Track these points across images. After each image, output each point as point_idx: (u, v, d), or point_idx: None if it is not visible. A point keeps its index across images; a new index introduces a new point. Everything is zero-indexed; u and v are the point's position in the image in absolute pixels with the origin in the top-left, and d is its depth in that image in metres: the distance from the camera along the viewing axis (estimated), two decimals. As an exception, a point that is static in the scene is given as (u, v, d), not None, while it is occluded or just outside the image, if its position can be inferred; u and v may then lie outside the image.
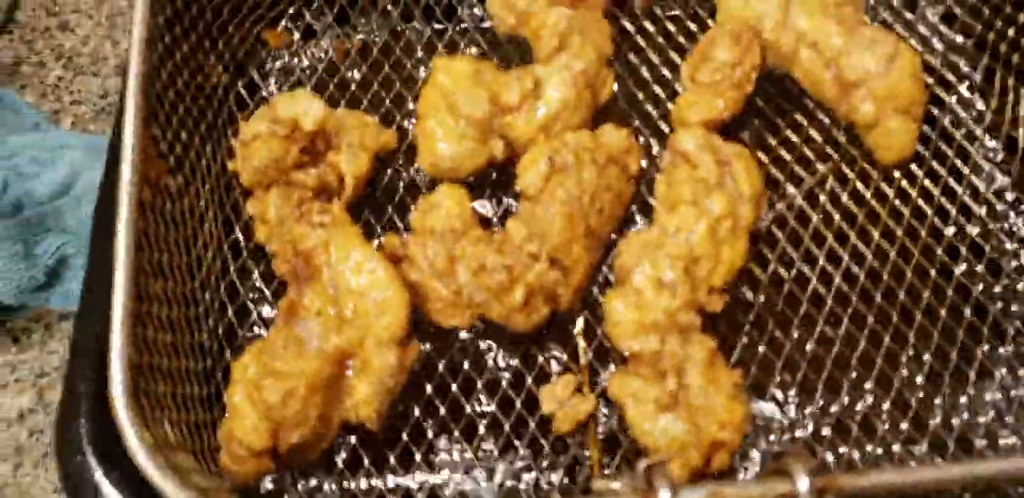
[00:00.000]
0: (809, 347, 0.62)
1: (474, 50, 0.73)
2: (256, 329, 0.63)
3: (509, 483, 0.58)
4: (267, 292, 0.64)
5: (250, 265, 0.64)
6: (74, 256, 0.73)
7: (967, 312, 0.62)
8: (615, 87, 0.68)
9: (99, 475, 0.52)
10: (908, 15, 0.73)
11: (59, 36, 0.85)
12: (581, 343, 0.62)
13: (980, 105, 0.69)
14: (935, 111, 0.69)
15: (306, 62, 0.73)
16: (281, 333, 0.55)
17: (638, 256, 0.59)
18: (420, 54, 0.72)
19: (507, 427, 0.60)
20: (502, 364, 0.62)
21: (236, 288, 0.63)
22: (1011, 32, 0.67)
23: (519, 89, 0.62)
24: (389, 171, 0.68)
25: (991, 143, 0.68)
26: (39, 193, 0.74)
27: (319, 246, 0.57)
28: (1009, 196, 0.67)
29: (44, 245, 0.72)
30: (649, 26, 0.73)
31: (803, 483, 0.44)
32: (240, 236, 0.65)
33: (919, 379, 0.61)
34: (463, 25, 0.73)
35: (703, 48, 0.67)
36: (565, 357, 0.62)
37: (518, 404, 0.61)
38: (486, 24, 0.73)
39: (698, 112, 0.65)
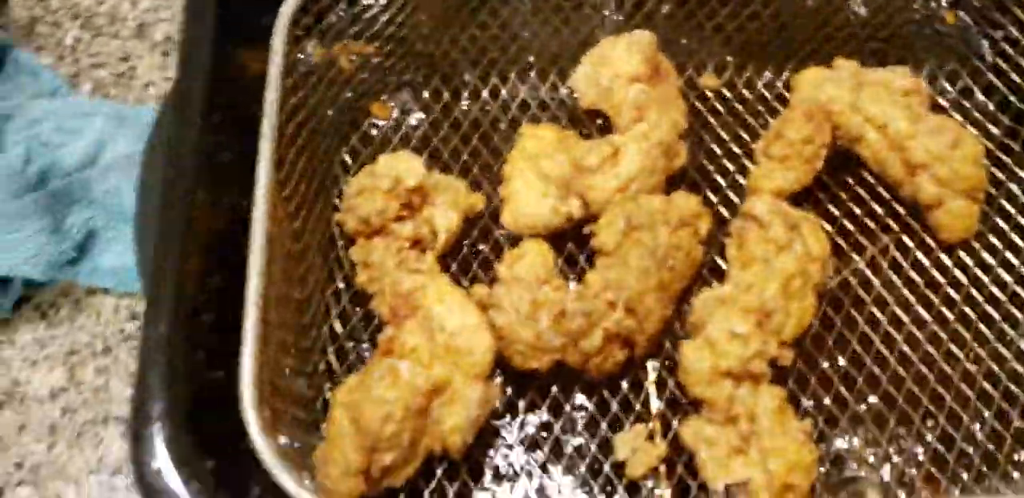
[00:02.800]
0: (872, 402, 0.65)
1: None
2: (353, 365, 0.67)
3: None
4: (364, 334, 0.68)
5: (349, 309, 0.69)
6: (102, 230, 0.71)
7: (1026, 375, 0.66)
8: (687, 159, 0.73)
9: (178, 485, 0.51)
10: (965, 103, 0.78)
11: None
12: (653, 392, 0.66)
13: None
14: (993, 190, 0.73)
15: (402, 132, 0.79)
16: (379, 365, 0.60)
17: (712, 310, 0.63)
18: (504, 127, 0.78)
19: (583, 468, 0.63)
20: (578, 408, 0.66)
21: (335, 330, 0.69)
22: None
23: (599, 154, 0.68)
24: (475, 232, 0.73)
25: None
26: (65, 164, 0.71)
27: (418, 289, 0.63)
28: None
29: (72, 218, 0.70)
30: (719, 106, 0.79)
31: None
32: (341, 284, 0.70)
33: (980, 437, 0.63)
34: (546, 100, 0.79)
35: (778, 127, 0.72)
36: (638, 406, 0.65)
37: (593, 447, 0.64)
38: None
39: (770, 182, 0.70)
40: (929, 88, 0.76)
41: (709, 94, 0.79)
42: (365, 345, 0.68)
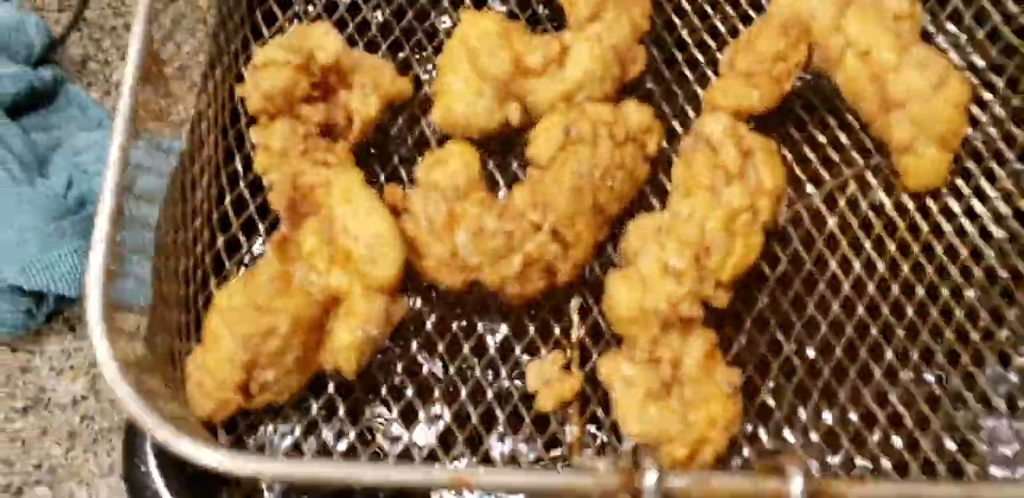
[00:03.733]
0: (809, 353, 0.60)
1: (502, 7, 0.70)
2: (245, 262, 0.60)
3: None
4: (261, 227, 0.61)
5: (246, 197, 0.61)
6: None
7: (974, 336, 0.61)
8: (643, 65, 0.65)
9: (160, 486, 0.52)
10: (952, 28, 0.71)
11: (125, 36, 0.83)
12: (575, 319, 0.60)
13: (1013, 128, 0.67)
14: (968, 130, 0.66)
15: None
16: (270, 267, 0.53)
17: (646, 239, 0.57)
18: (446, 3, 0.69)
19: (489, 395, 0.58)
20: (492, 331, 0.59)
21: (228, 219, 0.60)
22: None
23: (544, 53, 0.60)
24: (399, 120, 0.65)
25: (1019, 166, 0.66)
26: None
27: (321, 184, 0.55)
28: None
29: None
30: (686, 5, 0.70)
31: (796, 483, 0.42)
32: (240, 167, 0.62)
33: (917, 398, 0.59)
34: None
35: (748, 37, 0.64)
36: (557, 332, 0.59)
37: (503, 373, 0.58)
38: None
39: (730, 98, 0.62)
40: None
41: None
42: (260, 241, 0.60)
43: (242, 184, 0.62)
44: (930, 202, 0.65)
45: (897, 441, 0.57)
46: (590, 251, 0.57)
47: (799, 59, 0.63)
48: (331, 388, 0.57)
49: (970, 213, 0.65)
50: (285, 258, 0.54)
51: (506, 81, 0.59)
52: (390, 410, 0.57)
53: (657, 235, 0.56)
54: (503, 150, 0.64)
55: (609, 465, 0.43)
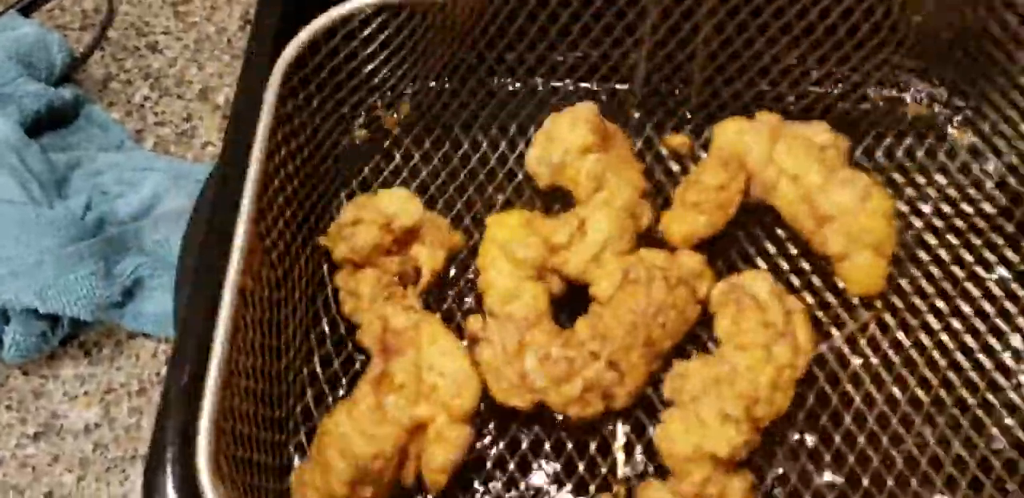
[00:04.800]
0: (837, 481, 0.65)
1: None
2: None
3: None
4: (344, 380, 0.70)
5: (331, 355, 0.70)
6: (148, 278, 0.75)
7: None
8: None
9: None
10: (884, 162, 0.80)
11: (148, 56, 0.87)
12: (620, 457, 0.67)
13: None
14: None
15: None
16: (368, 398, 0.63)
17: (705, 386, 0.64)
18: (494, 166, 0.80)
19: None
20: (546, 469, 0.66)
21: (317, 374, 0.70)
22: None
23: (567, 229, 0.70)
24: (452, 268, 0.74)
25: None
26: (121, 214, 0.75)
27: (411, 328, 0.65)
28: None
29: (122, 265, 0.73)
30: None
31: None
32: (327, 329, 0.72)
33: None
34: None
35: (695, 174, 0.75)
36: (604, 470, 0.66)
37: (556, 508, 0.65)
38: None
39: (681, 226, 0.72)
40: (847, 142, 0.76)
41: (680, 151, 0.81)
42: (340, 393, 0.69)
43: (328, 344, 0.71)
44: (948, 339, 0.71)
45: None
46: (643, 380, 0.65)
47: (739, 187, 0.72)
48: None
49: (987, 348, 0.70)
50: (379, 391, 0.64)
51: (542, 261, 0.69)
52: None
53: (717, 384, 0.64)
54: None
55: None
